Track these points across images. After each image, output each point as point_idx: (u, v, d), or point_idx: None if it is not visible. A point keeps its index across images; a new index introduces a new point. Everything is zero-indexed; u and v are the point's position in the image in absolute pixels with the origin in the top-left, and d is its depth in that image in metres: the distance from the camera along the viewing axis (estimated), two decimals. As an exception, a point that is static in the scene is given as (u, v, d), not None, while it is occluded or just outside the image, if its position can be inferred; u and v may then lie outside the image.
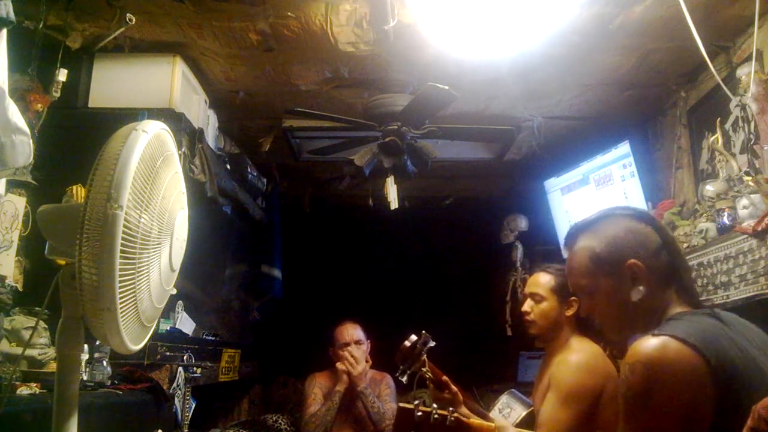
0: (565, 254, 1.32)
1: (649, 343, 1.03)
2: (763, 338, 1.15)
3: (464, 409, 1.87)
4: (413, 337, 1.92)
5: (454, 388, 1.90)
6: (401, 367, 1.91)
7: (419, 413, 1.44)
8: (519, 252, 4.28)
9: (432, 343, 1.92)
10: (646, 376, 1.00)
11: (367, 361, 2.97)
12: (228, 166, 3.22)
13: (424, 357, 1.90)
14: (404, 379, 1.91)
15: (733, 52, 2.51)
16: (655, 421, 0.99)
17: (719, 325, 1.09)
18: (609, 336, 1.28)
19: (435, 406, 1.49)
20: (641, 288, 1.17)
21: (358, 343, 2.96)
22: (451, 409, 1.50)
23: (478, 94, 3.10)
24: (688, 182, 2.94)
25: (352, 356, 2.89)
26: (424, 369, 1.90)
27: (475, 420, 1.60)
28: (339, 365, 2.91)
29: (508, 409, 2.53)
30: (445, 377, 1.93)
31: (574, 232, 1.29)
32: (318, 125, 3.33)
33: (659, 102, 3.17)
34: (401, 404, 1.47)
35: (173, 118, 2.48)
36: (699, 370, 0.98)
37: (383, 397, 2.93)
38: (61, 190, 1.85)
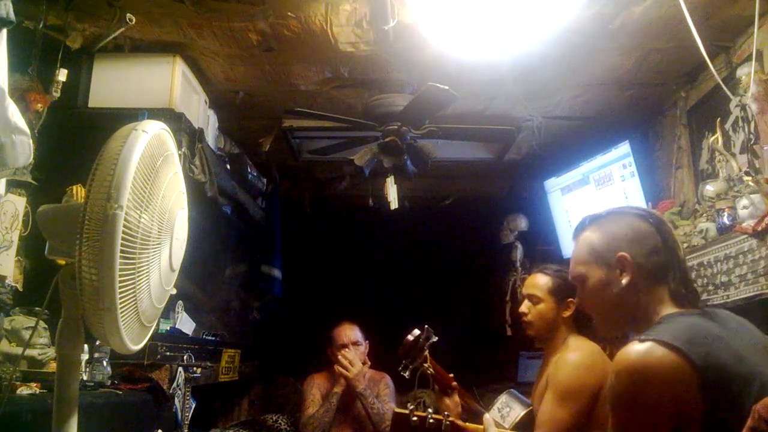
0: (572, 244, 1.35)
1: (634, 350, 1.04)
2: (757, 337, 1.15)
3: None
4: (416, 331, 1.92)
5: (457, 397, 1.90)
6: (404, 361, 1.90)
7: (414, 418, 1.43)
8: (519, 252, 4.28)
9: (434, 338, 1.93)
10: (630, 383, 1.01)
11: (365, 363, 2.97)
12: (228, 166, 3.22)
13: (426, 352, 1.89)
14: (406, 374, 1.91)
15: (733, 52, 2.51)
16: (641, 427, 1.00)
17: (710, 326, 1.09)
18: (599, 328, 1.30)
19: (430, 410, 1.48)
20: (624, 281, 1.19)
21: (355, 344, 2.95)
22: (446, 413, 1.49)
23: (478, 94, 3.10)
24: (688, 182, 2.93)
25: (347, 358, 2.88)
26: (426, 365, 1.90)
27: (471, 424, 1.59)
28: (336, 367, 2.91)
29: (507, 409, 2.53)
30: (453, 381, 1.92)
31: (583, 224, 1.32)
32: (318, 125, 3.33)
33: (659, 102, 3.17)
34: (396, 409, 1.46)
35: (173, 118, 2.48)
36: (684, 374, 0.99)
37: (382, 398, 2.92)
38: (61, 190, 1.85)
